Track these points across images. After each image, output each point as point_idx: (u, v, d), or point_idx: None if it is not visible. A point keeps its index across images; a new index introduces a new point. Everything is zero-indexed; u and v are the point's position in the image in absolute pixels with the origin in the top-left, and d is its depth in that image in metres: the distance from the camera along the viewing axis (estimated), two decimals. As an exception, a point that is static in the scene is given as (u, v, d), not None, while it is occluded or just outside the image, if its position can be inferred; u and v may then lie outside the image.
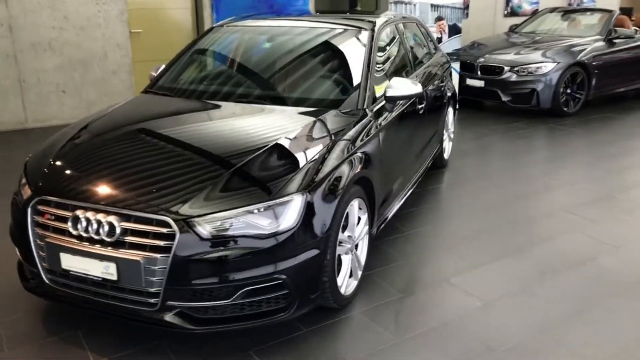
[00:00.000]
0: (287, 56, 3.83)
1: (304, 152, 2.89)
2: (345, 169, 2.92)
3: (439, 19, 8.06)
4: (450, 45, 8.12)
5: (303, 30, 4.00)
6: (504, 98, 7.67)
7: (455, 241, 3.95)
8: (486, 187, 5.05)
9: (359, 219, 3.19)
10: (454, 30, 8.12)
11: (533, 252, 3.77)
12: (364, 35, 3.81)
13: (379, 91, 3.60)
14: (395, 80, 3.58)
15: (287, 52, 3.87)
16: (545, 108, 7.61)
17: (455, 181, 5.21)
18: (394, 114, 3.68)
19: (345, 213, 2.94)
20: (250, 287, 2.53)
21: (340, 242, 2.95)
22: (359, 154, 3.12)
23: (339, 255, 3.02)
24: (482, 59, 7.90)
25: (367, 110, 3.39)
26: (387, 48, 4.18)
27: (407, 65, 4.33)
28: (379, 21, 4.04)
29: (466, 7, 10.26)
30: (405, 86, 3.55)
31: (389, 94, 3.53)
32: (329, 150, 2.92)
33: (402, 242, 3.92)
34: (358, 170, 3.04)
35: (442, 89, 5.06)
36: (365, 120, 3.31)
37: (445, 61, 5.46)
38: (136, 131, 3.17)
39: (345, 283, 3.05)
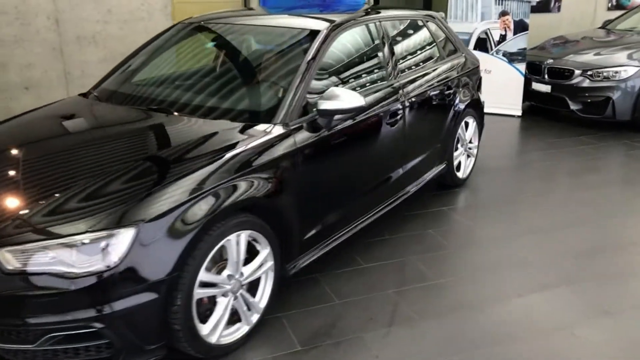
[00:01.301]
0: (223, 60, 3.39)
1: (164, 173, 2.44)
2: (216, 195, 2.43)
3: (503, 13, 7.10)
4: (514, 44, 7.12)
5: (254, 30, 3.53)
6: (573, 106, 6.56)
7: (411, 288, 3.29)
8: (504, 215, 4.24)
9: (253, 254, 2.70)
10: (520, 27, 7.10)
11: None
12: (313, 38, 3.25)
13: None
14: (333, 90, 2.99)
15: (224, 55, 3.42)
16: (623, 120, 6.40)
17: (469, 204, 4.45)
18: (337, 129, 3.09)
19: (218, 248, 2.47)
20: (57, 332, 2.16)
21: (211, 284, 2.49)
22: (254, 178, 2.61)
23: (214, 298, 2.55)
24: (550, 60, 6.82)
25: (286, 124, 2.85)
26: (353, 52, 3.58)
27: (380, 72, 3.67)
28: (339, 20, 3.44)
29: (558, -1, 9.06)
30: (346, 98, 2.96)
31: (321, 107, 2.96)
32: (198, 171, 2.45)
33: (346, 279, 3.33)
34: (245, 196, 2.54)
35: (450, 97, 4.31)
36: (276, 137, 2.78)
37: (464, 66, 4.66)
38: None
39: (220, 330, 2.58)
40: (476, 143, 4.91)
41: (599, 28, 8.22)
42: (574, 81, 6.52)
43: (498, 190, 4.73)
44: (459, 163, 4.73)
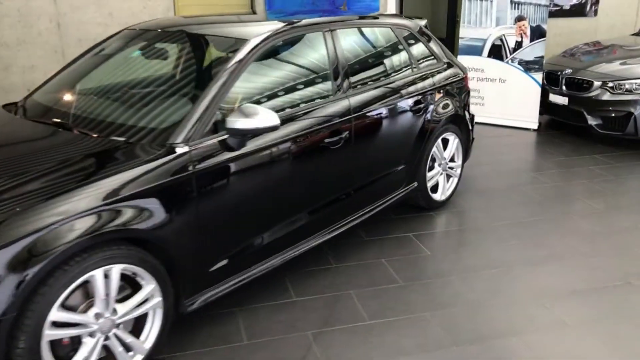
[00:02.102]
0: (142, 71, 3.12)
1: (24, 197, 2.19)
2: (73, 225, 2.16)
3: (519, 18, 6.55)
4: (531, 51, 6.55)
5: (182, 39, 3.25)
6: (591, 121, 5.94)
7: (336, 330, 2.92)
8: (469, 246, 3.80)
9: (134, 289, 2.42)
10: (538, 33, 6.51)
11: None
12: (238, 48, 2.93)
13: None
14: (245, 107, 2.67)
15: (144, 66, 3.15)
16: (647, 138, 5.75)
17: (438, 231, 4.02)
18: (254, 149, 2.77)
19: (80, 284, 2.21)
20: None
21: (72, 324, 2.23)
22: (129, 205, 2.32)
23: (79, 338, 2.30)
24: (568, 70, 6.22)
25: (185, 144, 2.55)
26: (288, 64, 3.24)
27: (323, 86, 3.30)
28: (272, 30, 3.10)
29: (595, 2, 8.39)
30: (258, 116, 2.63)
31: (228, 125, 2.65)
32: (57, 197, 2.18)
33: (266, 314, 3.00)
34: (113, 227, 2.26)
35: (419, 112, 3.89)
36: (169, 159, 2.48)
37: (444, 77, 4.21)
38: None
39: (84, 374, 2.31)
40: (459, 162, 4.46)
41: (633, 35, 7.50)
42: (593, 93, 5.90)
43: (476, 216, 4.26)
44: (436, 184, 4.31)
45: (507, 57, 6.69)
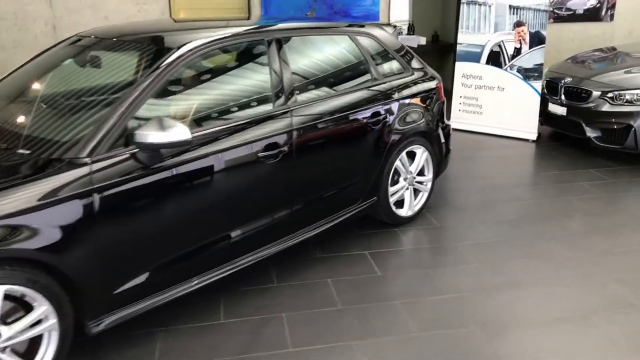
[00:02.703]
0: (65, 80, 3.01)
1: None
2: None
3: (518, 24, 6.24)
4: (530, 58, 6.23)
5: (110, 47, 3.13)
6: (590, 133, 5.58)
7: (254, 357, 2.75)
8: (421, 269, 3.57)
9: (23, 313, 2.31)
10: (537, 40, 6.18)
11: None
12: (160, 57, 2.79)
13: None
14: (156, 120, 2.52)
15: (69, 75, 3.04)
16: (648, 153, 5.37)
17: (395, 250, 3.79)
18: (168, 164, 2.62)
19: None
20: None
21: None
22: (14, 225, 2.21)
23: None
24: (568, 79, 5.87)
25: (84, 159, 2.42)
26: (220, 73, 3.08)
27: (260, 97, 3.13)
28: (204, 39, 2.94)
29: (611, 6, 7.98)
30: (168, 129, 2.49)
31: (136, 139, 2.51)
32: None
33: (187, 338, 2.84)
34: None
35: (378, 124, 3.68)
36: (61, 175, 2.34)
37: (412, 87, 3.97)
38: None
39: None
40: (429, 176, 4.21)
41: (646, 41, 7.07)
42: (592, 104, 5.55)
43: (442, 235, 4.01)
44: (402, 199, 4.08)
45: (505, 64, 6.38)
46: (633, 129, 5.28)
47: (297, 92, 3.26)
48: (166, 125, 2.50)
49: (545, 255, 3.69)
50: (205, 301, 3.13)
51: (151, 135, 2.48)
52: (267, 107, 3.11)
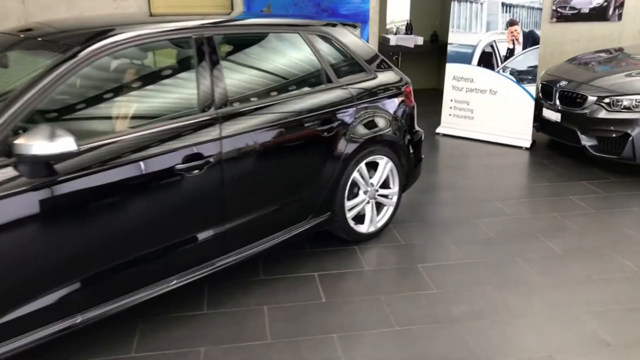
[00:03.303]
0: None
1: None
2: None
3: (511, 23, 5.81)
4: (524, 60, 5.79)
5: (20, 44, 2.81)
6: (585, 142, 5.14)
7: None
8: (368, 298, 3.19)
9: None
10: (531, 40, 5.74)
11: None
12: (58, 59, 2.46)
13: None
14: (37, 129, 2.20)
15: None
16: (647, 164, 4.91)
17: (348, 273, 3.42)
18: (58, 179, 2.29)
19: None
20: None
21: None
22: None
23: None
24: (563, 82, 5.43)
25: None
26: (131, 76, 2.74)
27: (181, 102, 2.79)
28: (114, 37, 2.59)
29: (619, 5, 7.51)
30: (50, 139, 2.16)
31: (14, 150, 2.18)
32: None
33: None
34: None
35: (331, 131, 3.31)
36: None
37: (372, 91, 3.59)
38: None
39: None
40: (395, 189, 3.83)
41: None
42: (587, 110, 5.11)
43: (405, 254, 3.62)
44: (363, 213, 3.70)
45: (498, 66, 5.95)
46: (631, 138, 4.83)
47: (231, 97, 2.91)
48: (48, 134, 2.17)
49: (516, 281, 3.29)
50: (118, 331, 2.79)
51: (25, 147, 2.15)
52: (190, 114, 2.75)
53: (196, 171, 2.69)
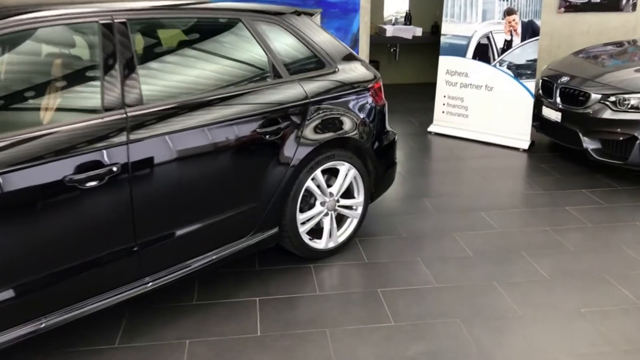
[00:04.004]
0: None
1: None
2: None
3: (509, 12, 5.26)
4: (522, 53, 5.24)
5: None
6: (587, 145, 4.58)
7: None
8: (323, 327, 2.70)
9: None
10: (530, 31, 5.18)
11: None
12: None
13: None
14: None
15: None
16: (658, 171, 4.35)
17: (293, 298, 2.94)
18: None
19: None
20: None
21: None
22: None
23: None
24: (564, 78, 4.87)
25: None
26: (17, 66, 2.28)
27: (77, 99, 2.33)
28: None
29: (634, -6, 6.89)
30: None
31: None
32: None
33: None
34: None
35: (277, 134, 2.82)
36: None
37: (332, 88, 3.10)
38: None
39: None
40: (360, 199, 3.34)
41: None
42: (590, 109, 4.55)
43: (364, 276, 3.12)
44: (320, 227, 3.22)
45: (494, 60, 5.40)
46: (638, 142, 4.27)
47: (146, 94, 2.43)
48: None
49: (491, 313, 2.78)
50: (9, 368, 2.36)
51: None
52: (88, 114, 2.29)
53: (94, 182, 2.22)
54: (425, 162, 5.03)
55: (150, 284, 2.53)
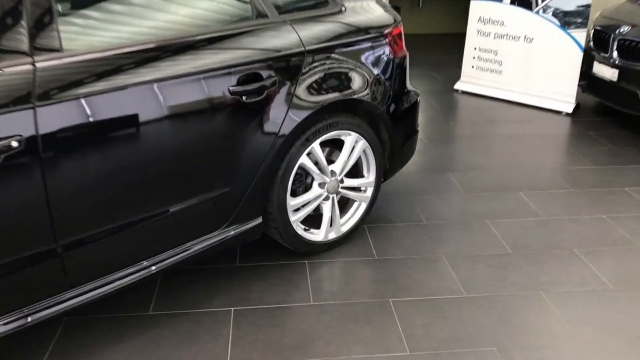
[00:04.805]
0: None
1: None
2: None
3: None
4: (571, -3, 4.36)
5: None
6: (649, 110, 3.79)
7: None
8: (298, 348, 2.05)
9: None
10: (583, -30, 4.29)
11: None
12: None
13: None
14: None
15: None
16: None
17: (276, 309, 2.28)
18: None
19: None
20: None
21: None
22: None
23: None
24: (625, 28, 4.02)
25: None
26: None
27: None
28: None
29: None
30: None
31: None
32: None
33: None
34: None
35: (261, 93, 2.10)
36: None
37: (331, 34, 2.34)
38: None
39: None
40: (371, 178, 2.62)
41: None
42: (656, 67, 3.73)
43: (371, 279, 2.44)
44: (320, 214, 2.53)
45: (537, 5, 4.54)
46: None
47: (67, 36, 1.71)
48: None
49: (535, 338, 2.09)
50: None
51: None
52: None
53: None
54: (450, 127, 4.27)
55: (86, 296, 1.87)
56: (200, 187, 2.05)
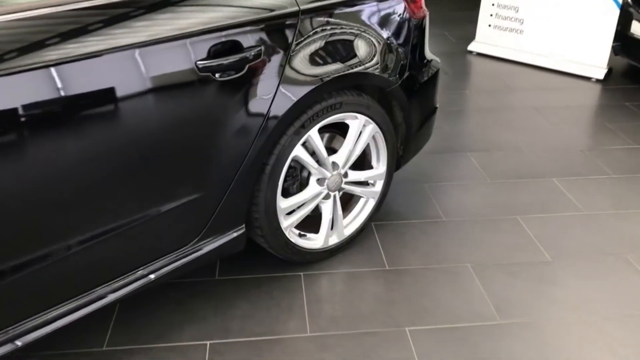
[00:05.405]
0: None
1: None
2: None
3: None
4: (611, -57, 3.76)
5: None
6: (700, 78, 3.27)
7: None
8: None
9: None
10: None
11: None
12: None
13: None
14: None
15: None
16: None
17: (281, 337, 1.82)
18: None
19: None
20: None
21: None
22: None
23: None
24: (673, -19, 3.45)
25: None
26: None
27: None
28: None
29: None
30: None
31: None
32: None
33: None
34: None
35: (241, 68, 1.58)
36: None
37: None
38: None
39: None
40: (381, 169, 2.12)
41: None
42: None
43: (375, 297, 1.97)
44: (318, 213, 2.04)
45: (568, -46, 3.94)
46: None
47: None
48: None
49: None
50: None
51: None
52: None
53: None
54: (465, 95, 3.74)
55: (21, 339, 1.40)
56: (162, 194, 1.55)
